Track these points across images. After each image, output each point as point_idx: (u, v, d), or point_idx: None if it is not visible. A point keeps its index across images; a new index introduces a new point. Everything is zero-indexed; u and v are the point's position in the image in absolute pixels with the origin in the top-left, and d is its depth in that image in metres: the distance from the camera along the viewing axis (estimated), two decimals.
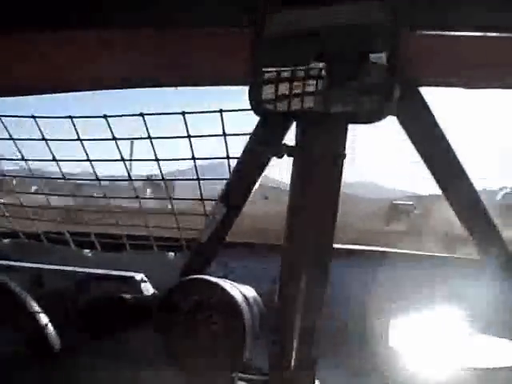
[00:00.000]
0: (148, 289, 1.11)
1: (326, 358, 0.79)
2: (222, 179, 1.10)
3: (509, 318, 0.97)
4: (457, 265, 1.24)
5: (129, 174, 1.30)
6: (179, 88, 1.04)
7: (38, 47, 0.93)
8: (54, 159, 1.29)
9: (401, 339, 1.09)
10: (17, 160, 1.34)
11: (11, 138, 1.28)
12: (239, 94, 0.83)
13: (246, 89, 0.72)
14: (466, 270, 1.09)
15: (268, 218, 1.52)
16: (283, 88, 0.70)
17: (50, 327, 1.04)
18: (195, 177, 1.21)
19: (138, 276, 1.12)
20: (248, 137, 1.04)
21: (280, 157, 0.76)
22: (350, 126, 0.74)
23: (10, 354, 1.03)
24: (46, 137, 1.25)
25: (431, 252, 1.39)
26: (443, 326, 1.06)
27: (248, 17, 0.74)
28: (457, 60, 0.85)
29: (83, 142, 1.23)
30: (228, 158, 1.11)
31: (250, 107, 0.73)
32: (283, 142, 0.80)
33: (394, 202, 2.12)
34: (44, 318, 1.05)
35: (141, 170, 1.36)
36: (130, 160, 1.28)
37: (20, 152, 1.31)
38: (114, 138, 1.20)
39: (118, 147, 1.22)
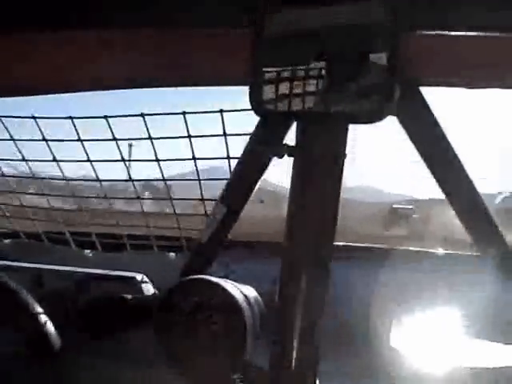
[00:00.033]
0: (148, 289, 1.11)
1: (326, 358, 0.79)
2: (223, 179, 1.10)
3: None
4: (459, 263, 1.23)
5: (129, 174, 1.30)
6: (179, 88, 1.04)
7: (38, 47, 0.93)
8: (55, 159, 1.29)
9: (403, 339, 1.09)
10: (17, 160, 1.34)
11: (12, 139, 1.28)
12: (239, 94, 0.83)
13: (246, 89, 0.72)
14: (469, 269, 1.09)
15: (266, 221, 1.51)
16: (283, 88, 0.70)
17: (50, 327, 1.04)
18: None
19: (139, 276, 1.12)
20: (248, 137, 1.04)
21: (280, 157, 0.76)
22: (351, 126, 0.74)
23: (10, 354, 1.03)
24: (47, 137, 1.25)
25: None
26: (445, 327, 1.06)
27: (248, 17, 0.74)
28: (457, 60, 0.85)
29: (83, 142, 1.24)
30: (228, 158, 1.12)
31: (250, 107, 0.73)
32: (284, 142, 0.80)
33: (394, 206, 2.12)
34: (44, 318, 1.05)
35: (140, 176, 1.35)
36: (130, 160, 1.28)
37: (20, 152, 1.31)
38: (115, 139, 1.20)
39: (118, 148, 1.22)
